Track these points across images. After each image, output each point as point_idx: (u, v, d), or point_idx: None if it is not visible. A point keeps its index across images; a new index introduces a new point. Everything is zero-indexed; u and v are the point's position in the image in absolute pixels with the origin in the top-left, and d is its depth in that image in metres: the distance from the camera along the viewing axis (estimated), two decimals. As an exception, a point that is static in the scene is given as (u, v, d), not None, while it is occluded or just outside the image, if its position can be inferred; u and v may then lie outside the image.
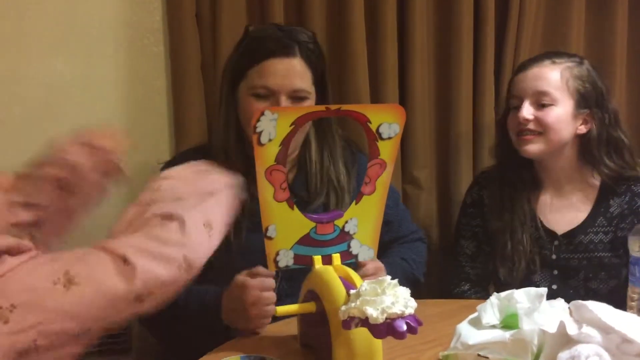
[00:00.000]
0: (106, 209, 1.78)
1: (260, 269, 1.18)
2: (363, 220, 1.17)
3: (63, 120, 1.76)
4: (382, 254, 1.46)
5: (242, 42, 1.45)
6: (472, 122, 2.00)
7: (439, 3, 1.96)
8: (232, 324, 1.24)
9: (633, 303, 1.23)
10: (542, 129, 1.60)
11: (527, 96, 1.61)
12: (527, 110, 1.60)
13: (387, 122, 1.11)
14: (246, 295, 1.17)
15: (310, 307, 1.08)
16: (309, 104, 1.39)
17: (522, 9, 1.99)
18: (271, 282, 1.19)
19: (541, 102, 1.60)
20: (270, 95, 1.37)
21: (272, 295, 1.18)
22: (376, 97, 1.87)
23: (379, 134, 1.12)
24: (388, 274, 1.27)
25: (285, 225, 1.12)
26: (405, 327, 0.93)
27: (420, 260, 1.60)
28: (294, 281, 1.29)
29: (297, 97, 1.38)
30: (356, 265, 1.20)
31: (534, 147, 1.62)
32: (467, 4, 1.94)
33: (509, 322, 1.08)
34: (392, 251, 1.55)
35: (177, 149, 1.78)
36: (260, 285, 1.17)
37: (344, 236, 1.16)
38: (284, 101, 1.36)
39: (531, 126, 1.61)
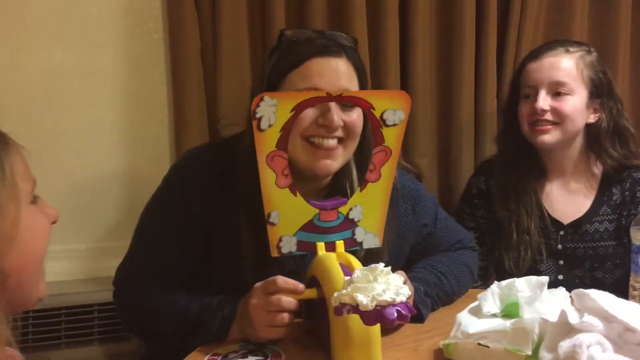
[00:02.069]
0: (106, 208, 1.79)
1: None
2: (368, 208, 1.15)
3: (63, 109, 1.76)
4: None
5: (277, 48, 1.24)
6: (473, 110, 2.00)
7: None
8: (243, 333, 1.15)
9: (635, 292, 1.23)
10: (558, 120, 1.60)
11: (542, 86, 1.60)
12: (545, 101, 1.59)
13: (392, 108, 1.10)
14: (252, 300, 1.10)
15: (312, 293, 1.08)
16: (358, 113, 1.20)
17: (524, -2, 1.99)
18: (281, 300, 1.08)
19: (557, 92, 1.60)
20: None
21: (279, 302, 1.08)
22: (377, 85, 1.86)
23: (383, 121, 1.10)
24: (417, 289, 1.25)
25: (288, 212, 1.10)
26: (395, 315, 0.92)
27: (462, 274, 1.41)
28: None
29: (346, 105, 1.19)
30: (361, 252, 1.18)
31: (549, 138, 1.61)
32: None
33: (510, 310, 1.08)
34: (432, 260, 1.41)
35: (177, 138, 1.77)
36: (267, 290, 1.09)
37: (348, 223, 1.15)
38: (334, 107, 1.17)
39: (548, 116, 1.60)
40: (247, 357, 1.08)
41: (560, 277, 1.64)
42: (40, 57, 1.72)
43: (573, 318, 0.99)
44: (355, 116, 1.21)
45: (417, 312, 1.23)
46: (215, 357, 1.09)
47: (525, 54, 1.92)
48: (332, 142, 1.20)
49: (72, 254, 1.76)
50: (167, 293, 1.24)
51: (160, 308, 1.22)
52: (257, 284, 1.12)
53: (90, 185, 1.78)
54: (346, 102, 1.15)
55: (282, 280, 1.09)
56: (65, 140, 1.76)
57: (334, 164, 1.21)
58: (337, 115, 1.18)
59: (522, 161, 1.69)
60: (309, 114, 1.17)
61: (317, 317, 1.10)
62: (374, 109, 1.09)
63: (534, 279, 1.14)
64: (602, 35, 2.13)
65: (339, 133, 1.19)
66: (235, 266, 1.21)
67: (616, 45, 2.11)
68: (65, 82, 1.74)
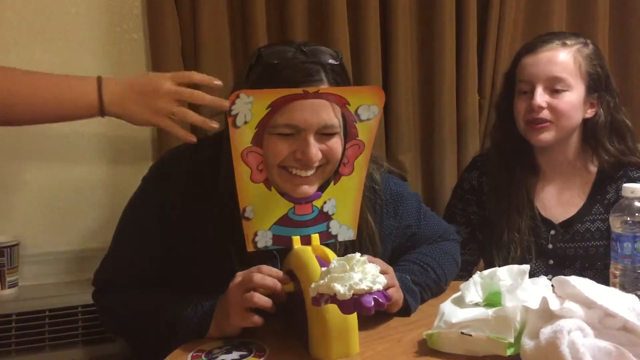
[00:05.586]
0: (89, 211, 1.78)
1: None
2: (342, 201, 1.17)
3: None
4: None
5: (254, 68, 1.18)
6: (455, 106, 1.99)
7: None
8: (220, 329, 1.14)
9: (616, 279, 1.23)
10: (555, 117, 1.55)
11: (539, 82, 1.55)
12: (542, 97, 1.54)
13: (366, 103, 1.12)
14: (233, 282, 1.10)
15: (288, 287, 1.08)
16: (337, 139, 1.16)
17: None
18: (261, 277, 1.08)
19: (554, 87, 1.54)
20: (295, 134, 1.12)
21: (255, 279, 1.07)
22: (359, 81, 1.86)
23: (358, 116, 1.12)
24: (400, 280, 1.23)
25: (263, 206, 1.11)
26: (372, 303, 0.93)
27: (445, 262, 1.41)
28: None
29: (326, 133, 1.14)
30: (335, 245, 1.18)
31: (546, 136, 1.56)
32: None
33: (492, 299, 1.09)
34: (415, 253, 1.40)
35: (160, 141, 1.76)
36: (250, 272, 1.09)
37: (323, 217, 1.16)
38: (312, 140, 1.12)
39: (545, 114, 1.54)
40: (231, 353, 1.07)
41: (550, 276, 1.61)
42: (19, 56, 1.70)
43: (554, 305, 1.00)
44: (334, 142, 1.16)
45: (404, 304, 1.22)
46: (200, 354, 1.07)
47: (505, 48, 1.92)
48: (310, 172, 1.15)
49: (55, 257, 1.76)
50: (146, 292, 1.23)
51: (138, 307, 1.21)
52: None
53: (72, 188, 1.77)
54: (320, 98, 1.11)
55: (266, 267, 1.09)
56: (46, 143, 1.74)
57: (311, 188, 1.16)
58: (315, 149, 1.12)
59: (515, 159, 1.65)
60: (286, 146, 1.12)
61: (293, 311, 1.10)
62: (349, 105, 1.11)
63: (515, 267, 1.14)
64: (581, 28, 2.12)
65: (317, 163, 1.14)
66: (220, 268, 1.19)
67: (594, 38, 2.09)
68: (45, 83, 1.73)
